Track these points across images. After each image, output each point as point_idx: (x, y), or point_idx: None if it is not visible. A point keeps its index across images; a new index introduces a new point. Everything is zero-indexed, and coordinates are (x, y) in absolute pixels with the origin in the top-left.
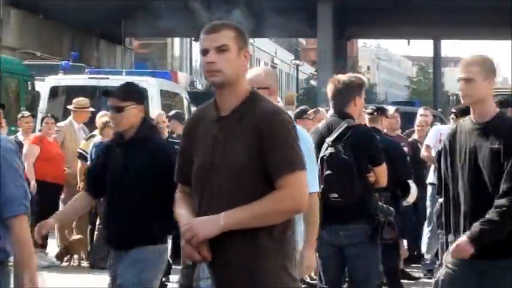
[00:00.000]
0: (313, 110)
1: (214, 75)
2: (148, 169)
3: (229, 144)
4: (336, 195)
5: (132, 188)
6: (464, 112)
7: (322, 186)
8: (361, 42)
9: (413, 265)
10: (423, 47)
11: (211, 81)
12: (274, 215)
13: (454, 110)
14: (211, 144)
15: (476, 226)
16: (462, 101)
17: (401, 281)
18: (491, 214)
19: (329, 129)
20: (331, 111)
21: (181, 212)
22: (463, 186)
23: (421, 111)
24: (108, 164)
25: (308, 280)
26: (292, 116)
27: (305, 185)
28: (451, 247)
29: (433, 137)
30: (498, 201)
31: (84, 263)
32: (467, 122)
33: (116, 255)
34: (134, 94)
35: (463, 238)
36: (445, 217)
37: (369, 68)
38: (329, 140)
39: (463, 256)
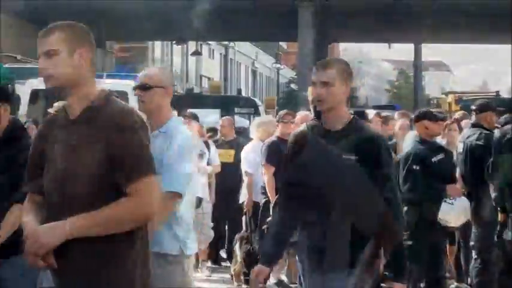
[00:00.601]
0: (285, 112)
1: (46, 81)
2: (7, 170)
3: (78, 150)
4: None
5: None
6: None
7: None
8: (342, 46)
9: None
10: (404, 51)
11: (46, 86)
12: (122, 223)
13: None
14: (60, 151)
15: (393, 263)
16: (317, 107)
17: (381, 285)
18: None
19: None
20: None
21: (28, 219)
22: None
23: (396, 115)
24: None
25: (287, 283)
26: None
27: (155, 192)
28: None
29: (409, 142)
30: (385, 220)
31: None
32: (316, 128)
33: None
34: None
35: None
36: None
37: None
38: None
39: None
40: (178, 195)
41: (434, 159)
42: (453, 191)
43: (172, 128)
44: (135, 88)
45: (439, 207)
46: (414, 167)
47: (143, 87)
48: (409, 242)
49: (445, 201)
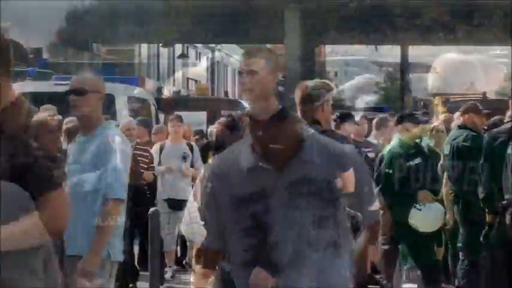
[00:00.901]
0: None
1: None
2: None
3: None
4: None
5: None
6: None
7: None
8: (329, 47)
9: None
10: (391, 53)
11: None
12: (30, 238)
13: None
14: None
15: None
16: (244, 96)
17: (368, 286)
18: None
19: None
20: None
21: None
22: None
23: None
24: None
25: None
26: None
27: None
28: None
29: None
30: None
31: None
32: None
33: None
34: None
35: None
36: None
37: (336, 73)
38: None
39: None
40: (121, 201)
41: (410, 163)
42: (423, 196)
43: (105, 132)
44: (68, 93)
45: (409, 211)
46: (387, 170)
47: (78, 92)
48: (386, 247)
49: (415, 206)
